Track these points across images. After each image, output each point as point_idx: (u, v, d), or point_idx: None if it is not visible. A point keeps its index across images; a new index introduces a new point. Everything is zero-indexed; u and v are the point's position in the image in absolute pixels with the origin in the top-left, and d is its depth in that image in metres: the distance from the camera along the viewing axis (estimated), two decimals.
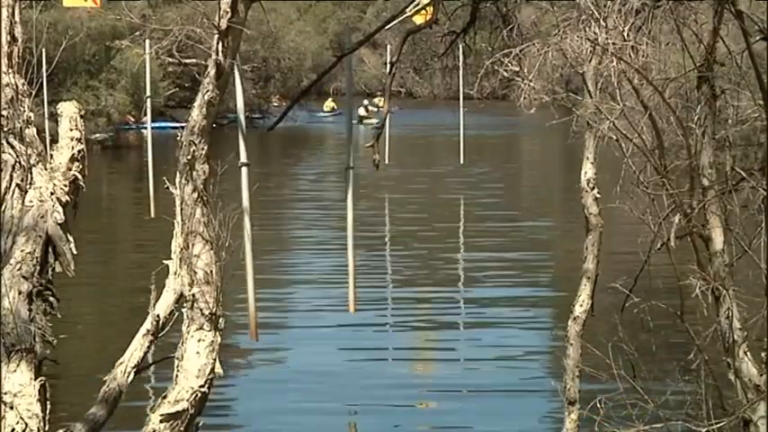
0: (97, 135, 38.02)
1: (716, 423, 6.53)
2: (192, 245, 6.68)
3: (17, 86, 7.39)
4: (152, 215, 17.66)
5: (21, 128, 7.33)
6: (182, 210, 6.74)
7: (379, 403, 12.02)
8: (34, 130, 7.47)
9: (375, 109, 50.79)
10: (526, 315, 15.94)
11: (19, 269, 6.92)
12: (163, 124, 37.47)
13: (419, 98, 71.87)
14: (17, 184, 7.24)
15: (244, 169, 7.92)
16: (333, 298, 16.31)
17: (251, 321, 8.08)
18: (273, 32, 47.27)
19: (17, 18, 7.48)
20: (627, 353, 7.35)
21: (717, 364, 6.88)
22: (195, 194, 6.68)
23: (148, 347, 7.07)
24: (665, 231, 6.74)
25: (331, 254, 20.14)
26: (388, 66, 7.33)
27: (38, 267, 7.03)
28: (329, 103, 56.47)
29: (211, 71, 6.64)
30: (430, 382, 13.08)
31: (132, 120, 41.85)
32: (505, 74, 7.87)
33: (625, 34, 7.06)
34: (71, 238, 7.24)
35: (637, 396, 6.99)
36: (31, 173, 7.30)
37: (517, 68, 7.82)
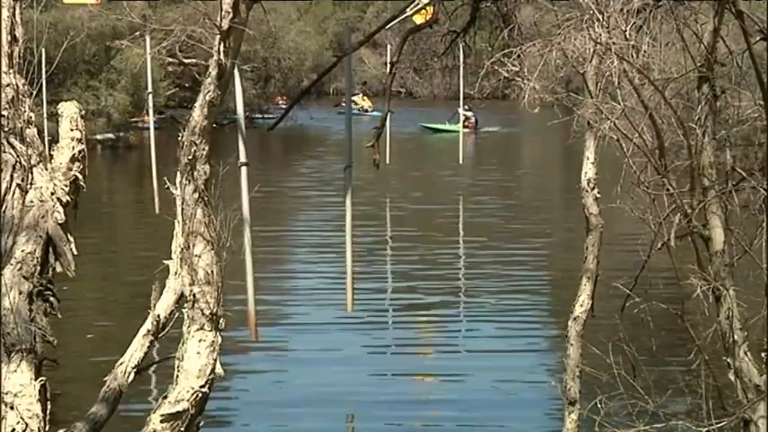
0: (97, 135, 38.05)
1: (716, 423, 6.53)
2: (193, 245, 6.68)
3: (18, 86, 7.40)
4: (157, 210, 17.66)
5: (21, 128, 7.34)
6: (183, 210, 6.74)
7: (380, 402, 12.03)
8: (35, 130, 7.48)
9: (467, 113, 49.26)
10: (526, 314, 15.95)
11: (20, 269, 6.93)
12: None
13: (419, 98, 71.91)
14: (18, 185, 7.24)
15: (243, 169, 7.92)
16: (332, 297, 16.34)
17: (251, 321, 8.08)
18: (273, 32, 47.27)
19: (18, 18, 7.49)
20: (627, 353, 7.35)
21: (717, 365, 6.88)
22: (196, 195, 6.67)
23: (149, 347, 7.07)
24: (666, 231, 6.74)
25: (330, 253, 20.15)
26: (388, 66, 7.33)
27: (38, 267, 7.04)
28: (367, 102, 56.99)
29: (213, 71, 6.64)
30: (429, 381, 13.08)
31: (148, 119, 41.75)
32: (506, 74, 7.87)
33: (626, 34, 7.06)
34: (71, 239, 7.24)
35: (637, 396, 6.99)
36: (32, 173, 7.31)
37: (517, 68, 7.83)
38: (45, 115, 20.96)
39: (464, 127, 47.72)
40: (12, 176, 7.24)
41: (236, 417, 11.76)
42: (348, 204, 8.48)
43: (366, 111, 55.51)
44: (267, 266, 17.84)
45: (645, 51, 7.33)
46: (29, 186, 7.27)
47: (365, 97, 58.29)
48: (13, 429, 6.43)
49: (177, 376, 6.65)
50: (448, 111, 49.42)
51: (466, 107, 45.09)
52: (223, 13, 6.52)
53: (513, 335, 14.84)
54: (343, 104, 55.11)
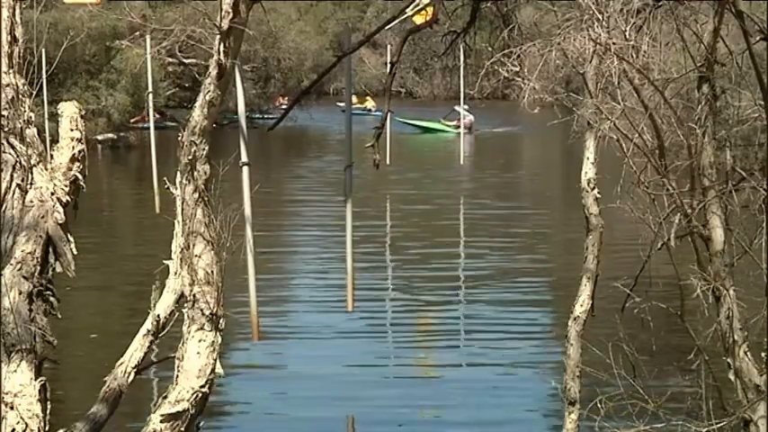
0: (98, 135, 38.06)
1: (716, 423, 6.54)
2: (193, 245, 6.67)
3: (18, 87, 7.39)
4: (157, 210, 17.72)
5: (21, 128, 7.33)
6: (183, 210, 6.74)
7: (381, 403, 12.03)
8: (35, 130, 7.47)
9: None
10: (526, 314, 15.94)
11: (19, 269, 6.92)
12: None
13: (419, 98, 71.92)
14: (18, 185, 7.24)
15: (245, 168, 7.93)
16: (332, 297, 16.34)
17: (252, 321, 8.09)
18: (274, 32, 47.28)
19: (18, 18, 7.48)
20: (627, 353, 7.35)
21: (717, 365, 6.88)
22: (196, 195, 6.67)
23: (149, 347, 7.07)
24: (666, 231, 6.74)
25: (331, 253, 20.15)
26: (388, 66, 7.34)
27: (38, 267, 7.03)
28: (370, 102, 57.09)
29: (213, 71, 6.64)
30: (430, 381, 13.08)
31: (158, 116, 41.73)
32: (506, 74, 7.88)
33: (626, 34, 7.06)
34: (71, 239, 7.24)
35: (637, 396, 7.00)
36: (32, 173, 7.30)
37: (518, 68, 7.84)
38: (46, 115, 20.98)
39: (458, 127, 47.79)
40: (12, 176, 7.23)
41: (235, 419, 11.76)
42: (349, 204, 8.50)
43: (370, 111, 55.54)
44: (267, 267, 17.84)
45: (645, 51, 7.34)
46: (29, 186, 7.26)
47: (369, 97, 58.28)
48: (13, 429, 6.42)
49: (177, 376, 6.65)
50: (447, 110, 49.46)
51: (465, 107, 45.05)
52: (223, 13, 6.52)
53: (514, 335, 14.83)
54: (339, 104, 55.13)
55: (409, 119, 50.39)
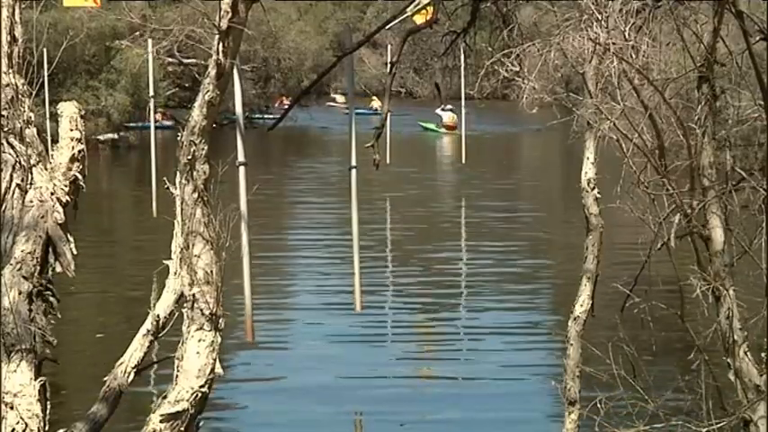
0: (99, 135, 38.05)
1: (716, 423, 6.53)
2: (193, 245, 6.67)
3: (17, 86, 7.39)
4: (155, 214, 17.72)
5: (21, 128, 7.33)
6: (182, 210, 6.74)
7: (382, 402, 12.03)
8: (34, 130, 7.47)
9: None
10: (526, 315, 15.94)
11: (19, 269, 6.92)
12: None
13: (419, 98, 71.91)
14: (17, 184, 7.24)
15: (241, 168, 7.93)
16: (335, 298, 16.33)
17: (247, 321, 8.09)
18: (273, 32, 47.26)
19: (17, 18, 7.48)
20: (627, 353, 7.35)
21: (717, 365, 6.88)
22: (195, 194, 6.67)
23: (148, 347, 7.07)
24: (665, 231, 6.74)
25: (333, 254, 20.15)
26: (389, 66, 7.34)
27: (38, 267, 7.03)
28: (376, 102, 57.06)
29: (212, 71, 6.64)
30: (431, 381, 13.08)
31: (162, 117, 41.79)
32: (506, 74, 7.88)
33: (626, 34, 7.06)
34: (71, 239, 7.24)
35: (637, 396, 7.00)
36: (32, 173, 7.30)
37: (517, 68, 7.84)
38: (47, 115, 21.00)
39: (444, 127, 47.96)
40: (11, 176, 7.23)
41: (237, 417, 11.76)
42: (354, 204, 8.52)
43: (376, 111, 55.34)
44: (267, 268, 17.84)
45: (645, 51, 7.34)
46: (28, 186, 7.26)
47: (375, 97, 58.10)
48: (13, 429, 6.42)
49: (177, 376, 6.65)
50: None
51: (449, 107, 45.17)
52: (222, 12, 6.52)
53: (514, 335, 14.84)
54: (331, 103, 54.99)
55: (424, 121, 51.10)
